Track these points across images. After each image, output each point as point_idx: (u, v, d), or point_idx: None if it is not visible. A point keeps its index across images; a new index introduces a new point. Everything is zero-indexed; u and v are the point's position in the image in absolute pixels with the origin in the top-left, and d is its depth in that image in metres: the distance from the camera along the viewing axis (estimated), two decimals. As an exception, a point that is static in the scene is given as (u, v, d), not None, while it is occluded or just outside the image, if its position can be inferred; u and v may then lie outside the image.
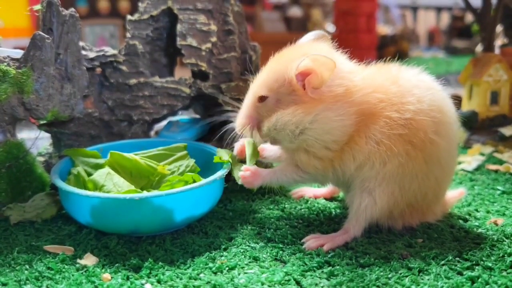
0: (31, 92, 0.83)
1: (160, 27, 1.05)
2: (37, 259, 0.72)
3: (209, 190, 0.79)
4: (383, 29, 3.38)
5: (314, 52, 0.74)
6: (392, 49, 3.11)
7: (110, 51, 1.01)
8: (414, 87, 0.77)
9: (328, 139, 0.75)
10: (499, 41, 1.56)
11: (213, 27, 1.03)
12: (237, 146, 0.85)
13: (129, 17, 1.03)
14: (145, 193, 0.75)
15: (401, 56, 0.85)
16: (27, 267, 0.70)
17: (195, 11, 1.02)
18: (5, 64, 0.82)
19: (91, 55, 1.00)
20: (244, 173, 0.81)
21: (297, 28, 2.98)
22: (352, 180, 0.79)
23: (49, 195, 0.89)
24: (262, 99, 0.78)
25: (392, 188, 0.76)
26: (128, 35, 1.03)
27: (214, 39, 1.02)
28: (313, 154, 0.77)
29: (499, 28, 1.54)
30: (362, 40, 2.68)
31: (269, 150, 0.88)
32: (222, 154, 0.87)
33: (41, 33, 0.83)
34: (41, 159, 0.99)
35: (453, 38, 4.38)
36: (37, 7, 0.88)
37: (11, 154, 0.87)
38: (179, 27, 1.02)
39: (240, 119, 0.81)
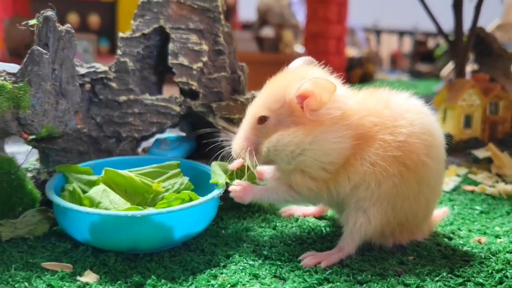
0: (27, 107, 0.82)
1: (151, 45, 1.06)
2: (36, 276, 0.71)
3: (207, 208, 0.80)
4: (350, 52, 3.47)
5: (314, 75, 0.76)
6: (359, 71, 3.19)
7: (101, 67, 1.01)
8: (405, 111, 0.80)
9: (326, 160, 0.78)
10: (469, 67, 1.63)
11: (205, 47, 1.04)
12: (234, 164, 0.86)
13: (121, 34, 1.04)
14: (146, 211, 0.76)
15: (368, 78, 0.89)
16: (26, 284, 0.69)
17: (187, 31, 1.04)
18: (2, 78, 0.81)
19: (82, 71, 1.00)
20: (235, 188, 0.83)
21: (269, 48, 3.03)
22: (347, 200, 0.81)
23: (41, 211, 0.88)
24: (262, 120, 0.79)
25: (385, 208, 0.79)
26: (119, 52, 1.03)
27: (205, 58, 1.04)
28: (309, 175, 0.79)
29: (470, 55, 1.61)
30: (332, 62, 2.73)
31: (268, 172, 0.89)
32: (218, 173, 0.87)
33: (39, 48, 0.83)
34: (29, 174, 0.98)
35: (416, 62, 4.52)
36: (33, 21, 0.88)
37: (2, 170, 0.86)
38: (171, 46, 1.03)
39: (238, 142, 0.82)
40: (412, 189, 0.79)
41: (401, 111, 0.80)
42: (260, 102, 0.81)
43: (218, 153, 0.88)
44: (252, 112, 0.81)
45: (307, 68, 0.85)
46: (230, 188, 0.83)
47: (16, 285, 0.68)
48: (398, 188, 0.78)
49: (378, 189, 0.78)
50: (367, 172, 0.78)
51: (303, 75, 0.79)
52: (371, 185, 0.78)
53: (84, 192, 0.85)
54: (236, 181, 0.83)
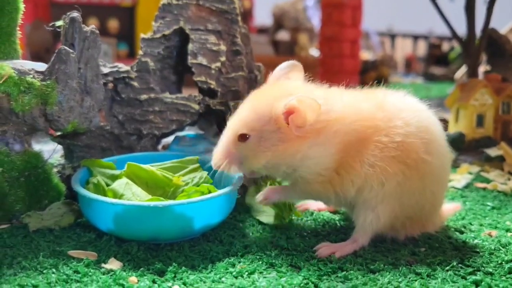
0: (54, 103, 0.86)
1: (171, 45, 1.10)
2: (63, 264, 0.74)
3: (226, 200, 0.84)
4: (365, 55, 3.49)
5: (299, 92, 0.78)
6: (373, 74, 3.21)
7: (123, 67, 1.06)
8: (400, 111, 0.81)
9: (320, 169, 0.80)
10: (482, 68, 1.65)
11: (223, 47, 1.08)
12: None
13: (142, 35, 1.08)
14: (168, 201, 0.79)
15: (382, 81, 0.90)
16: (54, 270, 0.73)
17: (205, 32, 1.08)
18: (31, 76, 0.85)
19: (105, 70, 1.04)
20: (259, 198, 0.87)
21: (284, 51, 3.07)
22: (355, 201, 0.83)
23: (66, 204, 0.92)
24: (243, 138, 0.80)
25: (392, 205, 0.81)
26: (140, 52, 1.07)
27: (223, 58, 1.08)
28: (311, 182, 0.82)
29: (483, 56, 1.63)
30: (346, 65, 2.77)
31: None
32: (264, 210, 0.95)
33: (66, 47, 0.87)
34: (55, 170, 1.02)
35: (431, 65, 4.53)
36: (59, 23, 0.92)
37: (30, 164, 0.90)
38: (190, 46, 1.07)
39: (217, 156, 0.82)
40: (416, 185, 0.81)
41: (396, 111, 0.81)
42: (242, 118, 0.81)
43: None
44: (233, 128, 0.82)
45: (293, 83, 0.86)
46: (257, 199, 0.87)
47: (44, 271, 0.72)
48: (401, 185, 0.80)
49: (382, 189, 0.80)
50: (368, 174, 0.80)
51: (288, 91, 0.80)
52: (374, 187, 0.80)
53: (108, 185, 0.88)
54: (260, 193, 0.87)
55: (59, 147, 1.04)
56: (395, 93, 0.86)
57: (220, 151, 0.82)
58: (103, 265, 0.75)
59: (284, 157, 0.79)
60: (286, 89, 0.82)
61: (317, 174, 0.81)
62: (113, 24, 3.28)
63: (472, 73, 1.55)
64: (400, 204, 0.81)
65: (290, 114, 0.77)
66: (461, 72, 1.81)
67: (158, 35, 1.08)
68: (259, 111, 0.80)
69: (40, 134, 1.03)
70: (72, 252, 0.78)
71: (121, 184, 0.86)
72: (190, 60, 1.06)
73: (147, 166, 0.90)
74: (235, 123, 0.82)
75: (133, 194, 0.85)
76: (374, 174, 0.79)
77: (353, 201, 0.84)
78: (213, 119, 1.12)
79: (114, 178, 0.91)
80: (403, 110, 0.82)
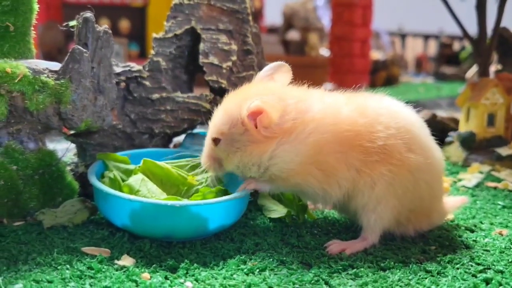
0: (68, 102, 0.87)
1: (182, 45, 1.11)
2: (76, 260, 0.75)
3: (240, 202, 0.85)
4: (375, 55, 3.48)
5: (265, 93, 0.80)
6: (384, 74, 3.21)
7: (135, 66, 1.07)
8: (379, 115, 0.82)
9: (292, 165, 0.80)
10: (493, 67, 1.65)
11: (234, 47, 1.09)
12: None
13: (154, 35, 1.09)
14: (185, 201, 0.80)
15: (392, 81, 0.91)
16: (68, 266, 0.74)
17: (217, 31, 1.09)
18: (45, 75, 0.87)
19: (118, 70, 1.05)
20: (247, 185, 0.85)
21: (295, 51, 3.07)
22: (354, 207, 0.84)
23: (79, 201, 0.93)
24: (216, 141, 0.83)
25: (391, 203, 0.82)
26: (152, 52, 1.09)
27: (234, 58, 1.08)
28: (286, 177, 0.82)
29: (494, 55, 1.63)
30: (357, 65, 2.77)
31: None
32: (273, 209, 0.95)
33: (79, 47, 0.88)
34: (68, 168, 1.03)
35: (441, 64, 4.51)
36: (73, 22, 0.94)
37: (44, 162, 0.92)
38: (202, 46, 1.07)
39: (202, 158, 0.87)
40: (407, 179, 0.82)
41: (376, 116, 0.82)
42: (214, 123, 0.84)
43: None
44: (208, 132, 0.86)
45: (263, 84, 0.87)
46: (242, 187, 0.85)
47: (58, 267, 0.73)
48: (393, 184, 0.81)
49: (373, 192, 0.81)
50: (356, 179, 0.81)
51: (255, 92, 0.82)
52: (365, 192, 0.81)
53: (123, 180, 0.89)
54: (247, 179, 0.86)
55: (72, 145, 1.05)
56: (374, 96, 0.88)
57: (203, 154, 0.87)
58: (116, 261, 0.76)
59: (252, 158, 0.81)
60: (258, 91, 0.83)
61: (289, 170, 0.81)
62: (124, 24, 3.31)
63: (483, 72, 1.55)
64: (398, 199, 0.82)
65: (256, 116, 0.79)
66: (472, 71, 1.81)
67: (169, 35, 1.09)
68: (229, 114, 0.82)
69: (54, 132, 1.05)
70: (86, 249, 0.79)
71: (137, 180, 0.87)
72: (202, 59, 1.07)
73: (162, 163, 0.91)
74: (210, 127, 0.85)
75: (148, 191, 0.86)
76: (361, 178, 0.81)
77: (351, 208, 0.85)
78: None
79: (128, 172, 0.92)
80: (382, 114, 0.83)
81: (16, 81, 0.83)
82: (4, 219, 0.87)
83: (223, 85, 1.07)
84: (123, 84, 1.07)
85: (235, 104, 0.82)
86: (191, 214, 0.79)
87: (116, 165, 0.92)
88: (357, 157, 0.80)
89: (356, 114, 0.82)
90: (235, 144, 0.82)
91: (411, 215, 0.85)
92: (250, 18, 1.12)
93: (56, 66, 0.90)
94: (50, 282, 0.69)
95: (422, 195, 0.84)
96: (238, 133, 0.81)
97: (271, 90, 0.83)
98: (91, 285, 0.69)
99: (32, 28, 0.95)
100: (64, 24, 0.94)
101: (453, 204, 0.96)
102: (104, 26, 0.95)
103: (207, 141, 0.86)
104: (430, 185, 0.85)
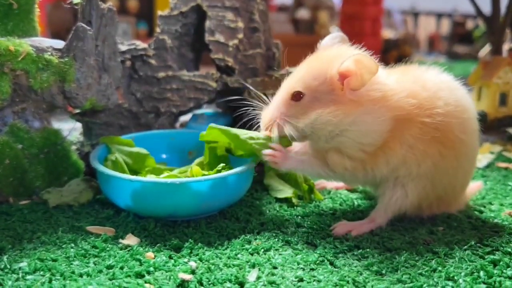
0: (72, 81, 0.87)
1: (188, 23, 1.09)
2: (81, 239, 0.75)
3: (243, 178, 0.84)
4: (387, 33, 3.43)
5: (357, 53, 0.75)
6: (395, 53, 3.16)
7: (141, 45, 1.06)
8: (439, 89, 0.80)
9: (365, 141, 0.77)
10: (506, 46, 1.61)
11: (240, 24, 1.07)
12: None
13: (160, 12, 1.08)
14: (185, 178, 0.79)
15: (404, 60, 0.88)
16: (73, 245, 0.74)
17: (223, 9, 1.07)
18: (49, 53, 0.86)
19: (123, 48, 1.04)
20: (274, 153, 0.80)
21: (305, 30, 3.03)
22: (386, 178, 0.81)
23: (85, 180, 0.93)
24: (297, 96, 0.77)
25: (424, 183, 0.80)
26: (158, 30, 1.07)
27: (240, 35, 1.07)
28: (347, 155, 0.79)
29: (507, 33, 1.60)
30: (368, 44, 2.72)
31: (296, 145, 0.87)
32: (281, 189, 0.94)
33: (83, 25, 0.87)
34: (73, 147, 1.03)
35: (454, 43, 4.44)
36: (77, 0, 0.92)
37: (49, 141, 0.91)
38: (207, 23, 1.06)
39: (268, 114, 0.80)
40: (451, 164, 0.80)
41: (436, 90, 0.79)
42: (297, 77, 0.79)
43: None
44: (288, 86, 0.79)
45: (348, 47, 0.82)
46: (268, 152, 0.80)
47: (63, 246, 0.73)
48: (437, 166, 0.79)
49: (418, 169, 0.79)
50: (407, 155, 0.78)
51: (345, 53, 0.77)
52: (411, 166, 0.79)
53: (126, 163, 0.89)
54: (273, 144, 0.80)
55: (78, 125, 1.05)
56: (431, 70, 0.84)
57: (270, 110, 0.80)
58: (120, 240, 0.75)
59: (335, 115, 0.75)
60: (343, 52, 0.78)
61: (358, 148, 0.77)
62: (132, 3, 3.28)
63: (496, 50, 1.52)
64: (432, 183, 0.80)
65: (346, 77, 0.74)
66: (485, 50, 1.77)
67: (175, 12, 1.07)
68: (315, 72, 0.77)
69: (59, 112, 1.04)
70: (91, 228, 0.79)
71: None
72: (208, 37, 1.06)
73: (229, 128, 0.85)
74: (290, 82, 0.79)
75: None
76: (413, 155, 0.78)
77: (382, 179, 0.82)
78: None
79: (132, 155, 0.91)
80: (442, 89, 0.80)
81: (19, 59, 0.82)
82: (10, 198, 0.87)
83: (229, 64, 1.06)
84: (128, 63, 1.06)
85: (323, 63, 0.77)
86: (192, 191, 0.78)
87: (119, 148, 0.91)
88: (414, 134, 0.77)
89: (419, 88, 0.79)
90: (317, 103, 0.76)
91: (435, 202, 0.84)
92: (257, -5, 1.10)
93: (60, 44, 0.89)
94: (54, 260, 0.69)
95: (456, 184, 0.83)
96: (324, 92, 0.76)
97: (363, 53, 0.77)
98: (95, 264, 0.69)
99: (37, 6, 0.94)
100: (68, 2, 0.93)
101: (469, 192, 0.94)
102: (108, 3, 0.94)
103: (282, 96, 0.79)
104: (465, 175, 0.84)
